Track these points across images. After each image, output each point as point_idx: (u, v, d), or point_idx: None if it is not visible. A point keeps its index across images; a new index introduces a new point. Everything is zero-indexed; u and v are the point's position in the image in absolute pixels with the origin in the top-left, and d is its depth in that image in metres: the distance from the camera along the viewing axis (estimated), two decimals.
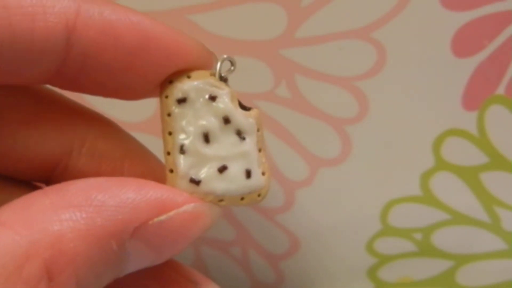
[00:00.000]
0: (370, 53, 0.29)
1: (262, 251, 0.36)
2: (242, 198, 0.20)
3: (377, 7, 0.28)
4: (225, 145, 0.19)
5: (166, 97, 0.19)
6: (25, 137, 0.20)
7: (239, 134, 0.20)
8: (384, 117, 0.31)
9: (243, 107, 0.20)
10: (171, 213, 0.18)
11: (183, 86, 0.19)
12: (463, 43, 0.29)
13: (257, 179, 0.20)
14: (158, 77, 0.19)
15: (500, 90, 0.30)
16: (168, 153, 0.19)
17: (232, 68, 0.20)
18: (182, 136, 0.19)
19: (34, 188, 0.21)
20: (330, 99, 0.31)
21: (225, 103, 0.19)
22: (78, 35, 0.18)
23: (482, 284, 0.36)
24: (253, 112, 0.20)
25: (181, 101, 0.19)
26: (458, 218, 0.34)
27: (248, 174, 0.19)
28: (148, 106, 0.30)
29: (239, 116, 0.20)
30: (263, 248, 0.36)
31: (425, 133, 0.31)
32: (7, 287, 0.16)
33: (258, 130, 0.20)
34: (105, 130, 0.21)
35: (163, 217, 0.18)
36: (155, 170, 0.21)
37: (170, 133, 0.19)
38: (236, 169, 0.19)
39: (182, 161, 0.19)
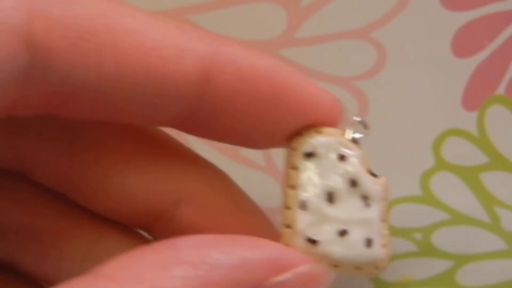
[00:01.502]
0: (370, 53, 0.29)
1: None
2: (357, 268, 0.18)
3: (377, 7, 0.28)
4: (349, 209, 0.18)
5: (294, 149, 0.18)
6: (134, 180, 0.19)
7: (365, 199, 0.18)
8: (384, 117, 0.31)
9: (372, 174, 0.19)
10: (289, 274, 0.17)
11: (313, 141, 0.18)
12: (463, 43, 0.29)
13: (377, 250, 0.18)
14: (289, 129, 0.18)
15: (500, 90, 0.30)
16: (288, 207, 0.18)
17: (367, 131, 0.19)
18: (305, 192, 0.18)
19: (137, 235, 0.21)
20: None
21: (354, 165, 0.18)
22: (213, 80, 0.17)
23: (482, 284, 0.36)
24: (381, 180, 0.19)
25: (309, 155, 0.18)
26: (458, 218, 0.34)
27: (369, 243, 0.18)
28: None
29: (367, 181, 0.18)
30: None
31: (425, 133, 0.31)
32: None
33: (384, 200, 0.19)
34: (217, 181, 0.20)
35: (280, 278, 0.17)
36: (263, 228, 0.20)
37: (292, 187, 0.18)
38: (357, 236, 0.18)
39: (302, 218, 0.18)
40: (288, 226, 0.18)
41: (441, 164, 0.32)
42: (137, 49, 0.16)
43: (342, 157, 0.18)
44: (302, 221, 0.18)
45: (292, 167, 0.18)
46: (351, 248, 0.18)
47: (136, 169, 0.19)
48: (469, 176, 0.32)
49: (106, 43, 0.16)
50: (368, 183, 0.18)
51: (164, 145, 0.20)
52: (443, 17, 0.28)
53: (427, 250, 0.35)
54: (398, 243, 0.35)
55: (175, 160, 0.20)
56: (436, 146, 0.32)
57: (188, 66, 0.17)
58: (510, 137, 0.31)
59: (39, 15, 0.15)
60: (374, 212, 0.18)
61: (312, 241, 0.18)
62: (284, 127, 0.18)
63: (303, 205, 0.18)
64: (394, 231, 0.34)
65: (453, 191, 0.33)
